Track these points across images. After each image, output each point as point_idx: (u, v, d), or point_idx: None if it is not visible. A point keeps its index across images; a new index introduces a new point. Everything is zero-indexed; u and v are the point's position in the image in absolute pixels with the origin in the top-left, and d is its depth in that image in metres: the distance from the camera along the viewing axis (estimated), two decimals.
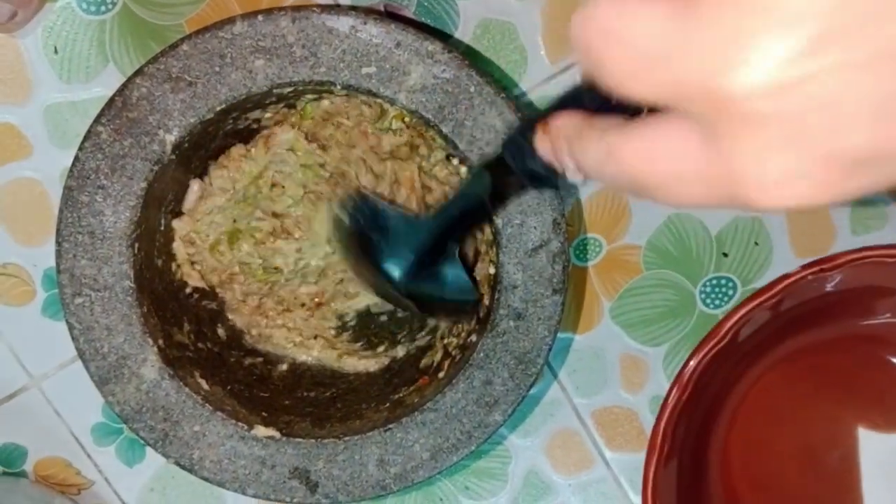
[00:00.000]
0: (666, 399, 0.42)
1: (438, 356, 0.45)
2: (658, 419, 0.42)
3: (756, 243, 0.48)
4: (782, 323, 0.44)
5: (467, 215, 0.39)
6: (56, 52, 0.43)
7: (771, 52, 0.17)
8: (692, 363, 0.41)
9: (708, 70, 0.18)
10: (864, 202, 0.48)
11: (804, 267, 0.41)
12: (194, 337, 0.44)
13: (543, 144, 0.29)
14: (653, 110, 0.21)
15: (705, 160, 0.20)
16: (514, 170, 0.32)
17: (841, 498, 0.47)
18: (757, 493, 0.48)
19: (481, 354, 0.41)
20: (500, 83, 0.44)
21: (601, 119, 0.25)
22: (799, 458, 0.48)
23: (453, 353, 0.44)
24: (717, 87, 0.18)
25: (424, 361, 0.45)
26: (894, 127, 0.18)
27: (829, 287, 0.42)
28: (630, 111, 0.23)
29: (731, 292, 0.48)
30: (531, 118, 0.36)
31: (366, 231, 0.41)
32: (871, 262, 0.41)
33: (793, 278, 0.41)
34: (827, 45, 0.17)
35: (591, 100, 0.26)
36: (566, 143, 0.26)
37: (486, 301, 0.42)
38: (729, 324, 0.41)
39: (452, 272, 0.43)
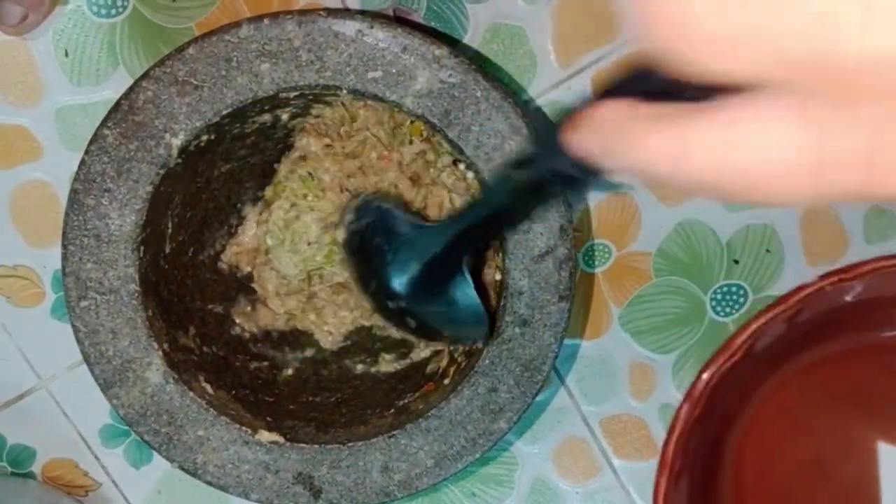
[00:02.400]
0: (677, 414, 0.41)
1: (444, 362, 0.44)
2: (669, 435, 0.41)
3: (768, 251, 0.48)
4: (799, 334, 0.43)
5: (487, 224, 0.35)
6: (66, 55, 0.44)
7: None
8: (705, 377, 0.41)
9: (824, 35, 0.15)
10: (879, 210, 0.47)
11: (822, 277, 0.40)
12: (199, 341, 0.44)
13: (578, 139, 0.23)
14: (726, 91, 0.17)
15: (817, 146, 0.17)
16: (542, 173, 0.28)
17: None
18: None
19: (487, 361, 0.41)
20: (508, 88, 0.44)
21: (657, 106, 0.20)
22: (814, 471, 0.47)
23: (459, 359, 0.44)
24: (836, 55, 0.15)
25: (430, 367, 0.45)
26: None
27: (847, 298, 0.41)
28: (697, 95, 0.18)
29: (741, 300, 0.48)
30: (565, 113, 0.33)
31: (371, 235, 0.39)
32: (890, 272, 0.40)
33: (810, 289, 0.40)
34: None
35: (648, 84, 0.21)
36: (613, 138, 0.21)
37: (492, 307, 0.42)
38: (743, 336, 0.40)
39: (462, 293, 0.38)
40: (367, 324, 0.46)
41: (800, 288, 0.40)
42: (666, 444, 0.41)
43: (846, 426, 0.46)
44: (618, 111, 0.21)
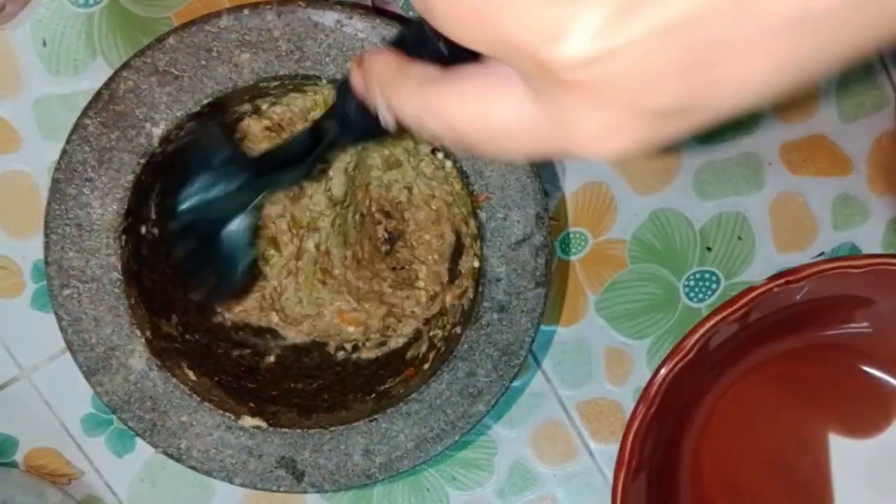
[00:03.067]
0: (633, 413, 0.42)
1: (424, 348, 0.45)
2: (625, 433, 0.42)
3: (739, 238, 0.49)
4: (751, 333, 0.44)
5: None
6: (45, 44, 0.44)
7: (584, 28, 0.19)
8: (659, 376, 0.42)
9: (534, 38, 0.20)
10: (846, 197, 0.49)
11: (770, 279, 0.41)
12: (182, 329, 0.44)
13: (356, 77, 0.28)
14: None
15: (533, 114, 0.22)
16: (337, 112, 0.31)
17: None
18: (729, 501, 0.48)
19: (465, 346, 0.42)
20: None
21: (419, 66, 0.25)
22: (770, 465, 0.48)
23: (438, 344, 0.44)
24: (541, 55, 0.20)
25: (410, 353, 0.46)
26: (693, 83, 0.19)
27: (797, 297, 0.43)
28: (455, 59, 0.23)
29: (714, 286, 0.49)
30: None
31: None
32: (836, 273, 0.41)
33: (758, 291, 0.41)
34: (629, 19, 0.19)
35: (425, 43, 0.25)
36: (379, 87, 0.26)
37: (471, 294, 0.43)
38: (695, 337, 0.41)
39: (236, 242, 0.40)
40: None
41: (748, 290, 0.41)
42: (623, 441, 0.42)
43: (800, 419, 0.48)
44: (387, 65, 0.26)
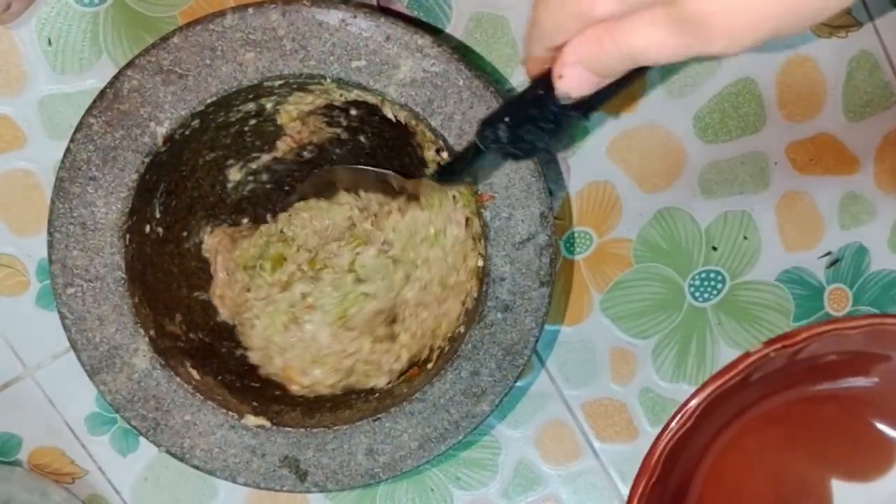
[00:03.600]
0: (636, 482, 0.42)
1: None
2: (629, 500, 0.43)
3: (745, 237, 0.49)
4: (751, 392, 0.44)
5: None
6: (50, 43, 0.44)
7: None
8: (660, 446, 0.42)
9: None
10: (853, 196, 0.48)
11: (766, 344, 0.41)
12: (186, 328, 0.44)
13: (532, 65, 0.30)
14: None
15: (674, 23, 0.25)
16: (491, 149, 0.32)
17: None
18: None
19: (469, 346, 0.42)
20: (490, 77, 0.45)
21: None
22: None
23: (442, 344, 0.44)
24: None
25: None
26: None
27: (798, 357, 0.43)
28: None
29: (720, 286, 0.49)
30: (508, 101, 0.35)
31: None
32: (833, 335, 0.41)
33: (754, 356, 0.41)
34: None
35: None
36: (592, 46, 0.27)
37: (475, 293, 0.43)
38: (693, 403, 0.42)
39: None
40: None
41: (744, 356, 0.41)
42: None
43: (801, 468, 0.48)
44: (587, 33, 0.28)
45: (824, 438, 0.47)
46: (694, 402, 0.42)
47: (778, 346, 0.41)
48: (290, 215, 0.46)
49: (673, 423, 0.42)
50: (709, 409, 0.42)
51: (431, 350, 0.45)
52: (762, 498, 0.48)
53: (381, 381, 0.45)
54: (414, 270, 0.45)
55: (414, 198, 0.45)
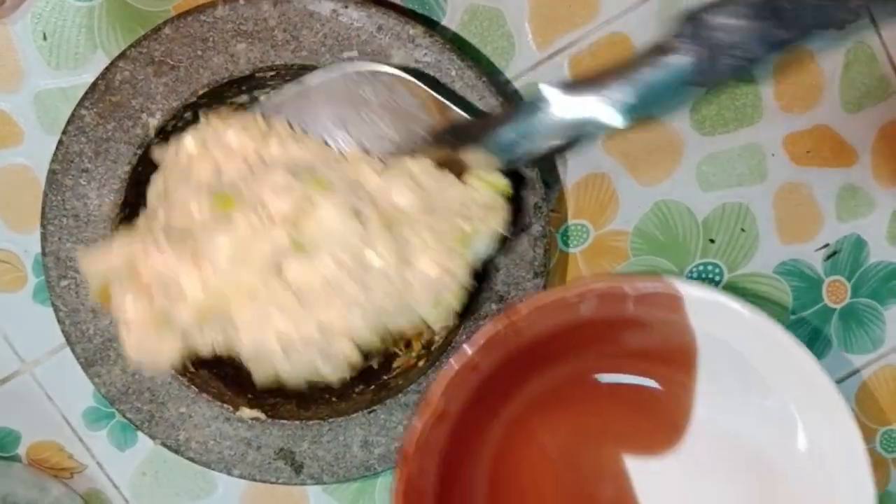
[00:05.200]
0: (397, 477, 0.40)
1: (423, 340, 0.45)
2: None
3: (742, 229, 0.48)
4: (490, 379, 0.42)
5: None
6: (45, 38, 0.44)
7: None
8: (414, 432, 0.40)
9: None
10: (851, 188, 0.48)
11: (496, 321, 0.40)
12: None
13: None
14: None
15: None
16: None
17: None
18: None
19: (463, 337, 0.42)
20: (483, 67, 0.45)
21: None
22: (577, 499, 0.46)
23: (436, 336, 0.44)
24: None
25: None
26: None
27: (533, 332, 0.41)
28: None
29: (717, 278, 0.49)
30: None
31: None
32: (556, 303, 0.40)
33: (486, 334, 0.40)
34: None
35: None
36: None
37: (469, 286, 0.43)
38: (436, 396, 0.40)
39: None
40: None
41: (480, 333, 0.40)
42: None
43: (591, 448, 0.46)
44: None
45: (604, 413, 0.46)
46: (436, 396, 0.39)
47: (505, 321, 0.39)
48: None
49: (425, 415, 0.40)
50: (448, 409, 0.40)
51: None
52: (565, 492, 0.46)
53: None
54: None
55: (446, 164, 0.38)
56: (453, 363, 0.39)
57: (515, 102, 0.33)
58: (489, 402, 0.43)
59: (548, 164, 0.47)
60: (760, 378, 0.43)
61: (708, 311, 0.41)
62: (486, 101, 0.39)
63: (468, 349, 0.39)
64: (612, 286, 0.40)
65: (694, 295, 0.41)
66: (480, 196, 0.37)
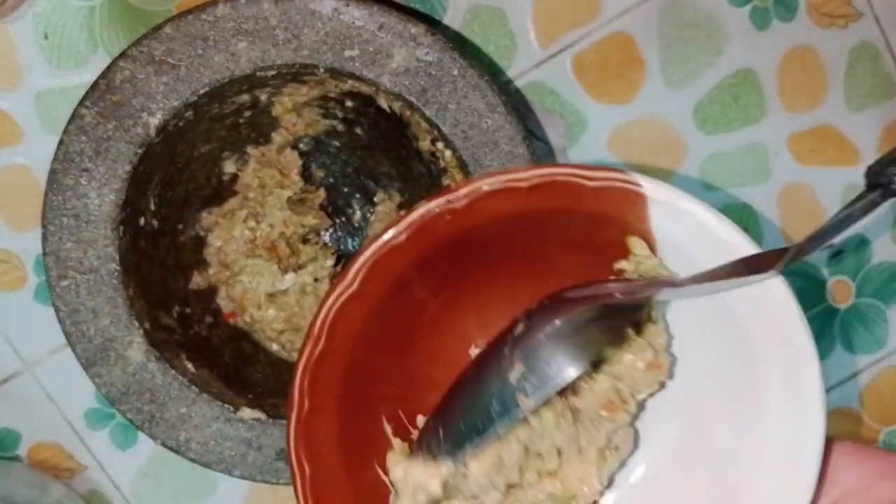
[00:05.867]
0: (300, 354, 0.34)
1: None
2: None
3: (746, 229, 0.48)
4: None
5: None
6: (46, 37, 0.44)
7: None
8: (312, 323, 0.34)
9: None
10: (855, 188, 0.48)
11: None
12: (181, 320, 0.44)
13: None
14: None
15: None
16: None
17: None
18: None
19: None
20: (485, 66, 0.44)
21: None
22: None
23: None
24: None
25: None
26: None
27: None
28: None
29: None
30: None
31: None
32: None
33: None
34: None
35: None
36: None
37: None
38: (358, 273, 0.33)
39: None
40: None
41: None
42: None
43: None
44: None
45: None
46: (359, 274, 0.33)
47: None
48: None
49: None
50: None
51: None
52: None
53: None
54: None
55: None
56: (377, 245, 0.33)
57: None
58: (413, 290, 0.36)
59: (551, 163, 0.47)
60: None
61: (672, 216, 0.34)
62: (487, 99, 0.39)
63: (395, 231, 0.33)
64: (569, 175, 0.33)
65: (660, 196, 0.34)
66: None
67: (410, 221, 0.33)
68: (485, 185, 0.33)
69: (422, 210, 0.33)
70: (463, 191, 0.33)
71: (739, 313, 0.34)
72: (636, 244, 0.35)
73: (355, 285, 0.33)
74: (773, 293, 0.33)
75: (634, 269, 0.35)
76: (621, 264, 0.35)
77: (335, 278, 0.36)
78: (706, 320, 0.36)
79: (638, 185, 0.33)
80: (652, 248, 0.35)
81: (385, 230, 0.33)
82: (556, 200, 0.34)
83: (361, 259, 0.33)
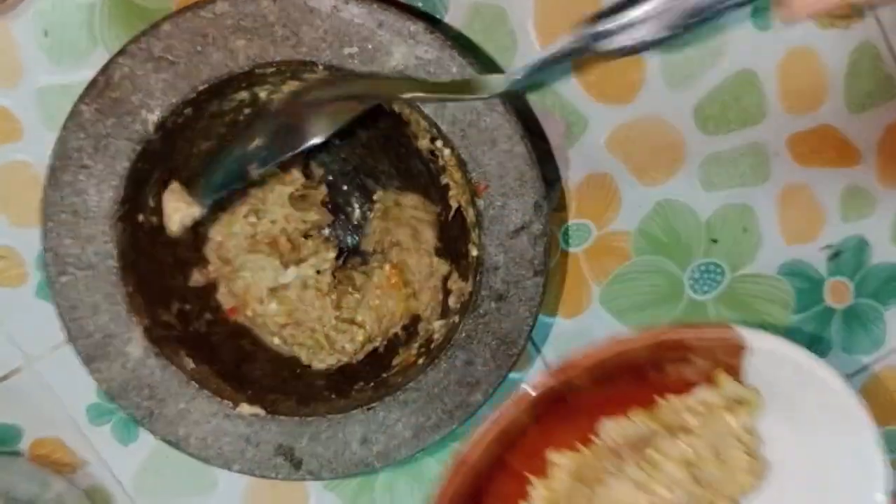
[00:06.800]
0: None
1: (421, 339, 0.45)
2: None
3: (745, 230, 0.48)
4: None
5: None
6: (46, 35, 0.44)
7: None
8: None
9: None
10: (855, 188, 0.48)
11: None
12: (180, 317, 0.44)
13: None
14: None
15: None
16: None
17: None
18: None
19: (463, 335, 0.42)
20: (485, 64, 0.45)
21: None
22: None
23: (436, 335, 0.44)
24: None
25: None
26: None
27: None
28: None
29: (719, 278, 0.48)
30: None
31: None
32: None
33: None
34: None
35: None
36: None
37: (469, 284, 0.43)
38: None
39: None
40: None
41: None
42: None
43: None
44: None
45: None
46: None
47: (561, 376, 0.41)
48: None
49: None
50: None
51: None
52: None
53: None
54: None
55: None
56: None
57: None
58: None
59: (551, 165, 0.47)
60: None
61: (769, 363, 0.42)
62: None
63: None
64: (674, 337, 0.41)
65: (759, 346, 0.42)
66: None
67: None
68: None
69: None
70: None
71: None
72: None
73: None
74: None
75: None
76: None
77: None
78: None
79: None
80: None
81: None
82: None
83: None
